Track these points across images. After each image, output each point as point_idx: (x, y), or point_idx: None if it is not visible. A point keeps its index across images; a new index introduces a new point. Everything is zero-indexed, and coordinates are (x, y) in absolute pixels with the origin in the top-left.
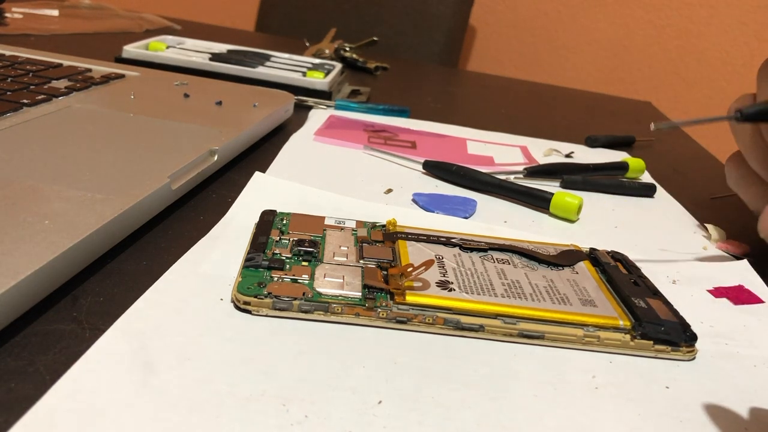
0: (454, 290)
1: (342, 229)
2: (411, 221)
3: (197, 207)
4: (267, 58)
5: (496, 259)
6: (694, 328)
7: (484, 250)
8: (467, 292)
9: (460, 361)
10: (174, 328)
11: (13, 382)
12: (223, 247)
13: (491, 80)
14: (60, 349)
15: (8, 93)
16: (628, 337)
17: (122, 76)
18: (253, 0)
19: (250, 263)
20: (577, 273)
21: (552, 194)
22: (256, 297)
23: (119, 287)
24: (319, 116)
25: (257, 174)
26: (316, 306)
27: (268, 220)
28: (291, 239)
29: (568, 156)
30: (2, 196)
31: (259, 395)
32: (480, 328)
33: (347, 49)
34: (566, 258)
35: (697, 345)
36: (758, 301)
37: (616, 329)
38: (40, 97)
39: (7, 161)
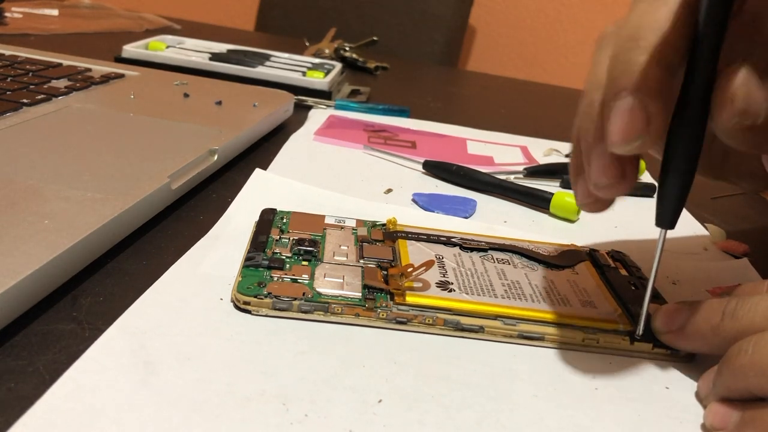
0: (454, 291)
1: (342, 228)
2: (411, 221)
3: (197, 207)
4: (267, 57)
5: (496, 259)
6: None
7: (484, 250)
8: (467, 293)
9: (460, 361)
10: (174, 328)
11: (13, 381)
12: (222, 247)
13: (491, 80)
14: (60, 349)
15: (8, 93)
16: (627, 339)
17: (122, 75)
18: (253, 0)
19: (250, 263)
20: (577, 273)
21: (552, 194)
22: (256, 297)
23: (119, 287)
24: (319, 116)
25: (257, 171)
26: (316, 306)
27: (268, 218)
28: (291, 238)
29: (568, 156)
30: (2, 196)
31: (258, 395)
32: (480, 329)
33: (347, 48)
34: (566, 258)
35: None
36: None
37: (616, 331)
38: (39, 97)
39: (7, 161)
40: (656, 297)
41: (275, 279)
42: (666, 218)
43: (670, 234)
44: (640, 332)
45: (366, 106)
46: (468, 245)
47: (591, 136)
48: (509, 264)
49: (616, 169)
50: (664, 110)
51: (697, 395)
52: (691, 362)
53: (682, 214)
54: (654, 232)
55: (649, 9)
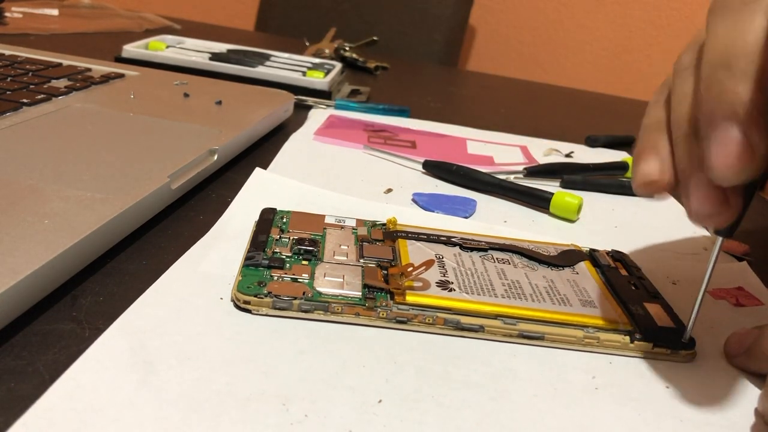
0: (454, 290)
1: (342, 227)
2: (411, 221)
3: (197, 207)
4: (267, 57)
5: (497, 259)
6: (694, 328)
7: (485, 250)
8: (467, 292)
9: (460, 361)
10: (174, 328)
11: (13, 381)
12: (222, 246)
13: (491, 80)
14: (60, 349)
15: (8, 92)
16: (627, 338)
17: (122, 75)
18: (253, 0)
19: (250, 262)
20: (578, 273)
21: (552, 194)
22: (256, 296)
23: (119, 287)
24: (319, 116)
25: (257, 170)
26: (316, 305)
27: (268, 218)
28: (291, 238)
29: (568, 156)
30: (2, 196)
31: (258, 394)
32: (480, 329)
33: (347, 48)
34: (566, 258)
35: (698, 345)
36: (757, 303)
37: (616, 330)
38: (39, 97)
39: (7, 161)
40: (655, 297)
41: (275, 278)
42: (730, 227)
43: (670, 234)
44: (687, 338)
45: (366, 106)
46: (468, 245)
47: (687, 166)
48: (509, 264)
49: (718, 196)
50: None
51: (727, 354)
52: (691, 362)
53: (682, 214)
54: (652, 234)
55: (734, 29)
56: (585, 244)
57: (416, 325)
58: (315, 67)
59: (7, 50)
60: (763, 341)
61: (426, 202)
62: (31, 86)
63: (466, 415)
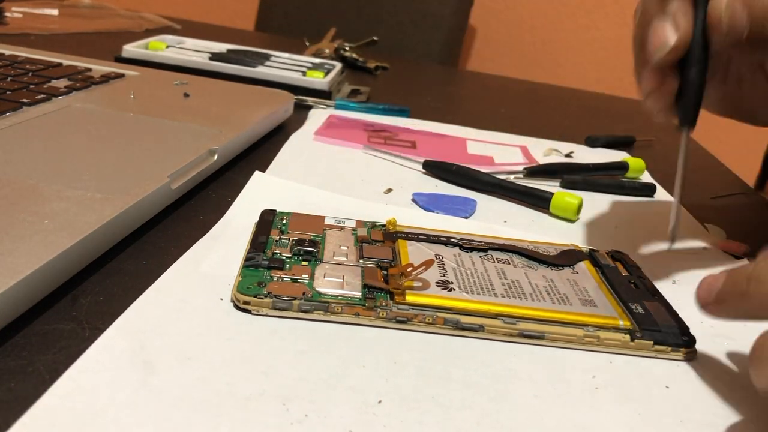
0: (454, 290)
1: (342, 228)
2: (411, 221)
3: (197, 207)
4: (267, 57)
5: (496, 259)
6: (694, 328)
7: (484, 250)
8: (467, 292)
9: (460, 361)
10: (174, 328)
11: (13, 381)
12: (223, 247)
13: (491, 80)
14: (60, 349)
15: (8, 92)
16: (628, 337)
17: (122, 75)
18: (253, 0)
19: (250, 263)
20: (577, 273)
21: (552, 194)
22: (256, 296)
23: (119, 287)
24: (319, 116)
25: (257, 173)
26: (316, 306)
27: (267, 219)
28: (291, 239)
29: (568, 156)
30: (2, 196)
31: (258, 394)
32: (480, 328)
33: (347, 48)
34: (566, 258)
35: (698, 345)
36: None
37: (616, 329)
38: (39, 97)
39: (7, 161)
40: (655, 295)
41: (275, 279)
42: (688, 115)
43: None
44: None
45: (366, 106)
46: (468, 245)
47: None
48: (509, 264)
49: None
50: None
51: (698, 300)
52: (691, 361)
53: (682, 214)
54: (652, 234)
55: None
56: (585, 244)
57: (416, 325)
58: (315, 67)
59: (7, 50)
60: (725, 287)
61: (426, 202)
62: (31, 86)
63: (466, 415)
